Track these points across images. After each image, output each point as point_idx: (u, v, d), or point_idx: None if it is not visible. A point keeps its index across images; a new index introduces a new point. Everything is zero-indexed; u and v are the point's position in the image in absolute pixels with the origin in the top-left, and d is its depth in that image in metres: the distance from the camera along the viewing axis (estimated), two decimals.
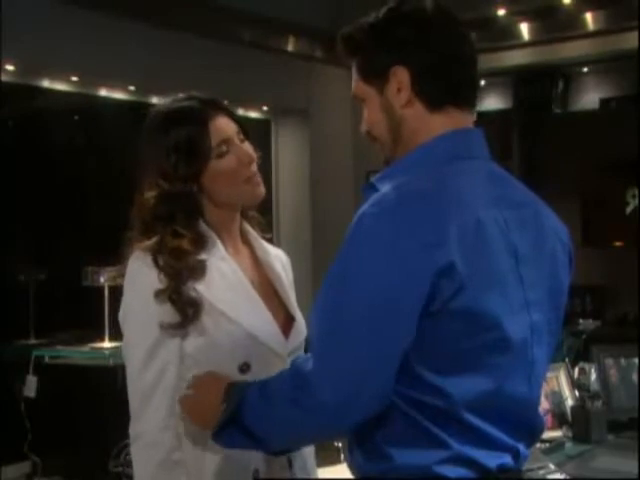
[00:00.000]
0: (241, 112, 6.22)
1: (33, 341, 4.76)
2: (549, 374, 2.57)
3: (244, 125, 1.65)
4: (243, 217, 1.68)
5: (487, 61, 5.38)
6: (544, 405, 2.54)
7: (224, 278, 1.55)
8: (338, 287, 1.17)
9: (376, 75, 1.29)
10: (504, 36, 5.66)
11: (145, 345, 1.50)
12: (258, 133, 6.34)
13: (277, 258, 1.72)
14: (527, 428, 1.27)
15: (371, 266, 1.14)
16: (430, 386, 1.16)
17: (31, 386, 4.20)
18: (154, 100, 5.43)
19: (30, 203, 5.09)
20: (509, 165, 6.23)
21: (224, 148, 1.55)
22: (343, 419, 1.16)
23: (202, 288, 1.52)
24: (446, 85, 1.28)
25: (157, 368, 1.49)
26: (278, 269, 1.68)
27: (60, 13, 4.52)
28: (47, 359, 4.39)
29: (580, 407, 2.58)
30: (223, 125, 1.57)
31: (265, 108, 6.37)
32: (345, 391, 1.14)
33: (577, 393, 2.67)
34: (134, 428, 1.51)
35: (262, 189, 1.60)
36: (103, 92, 5.39)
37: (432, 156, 1.26)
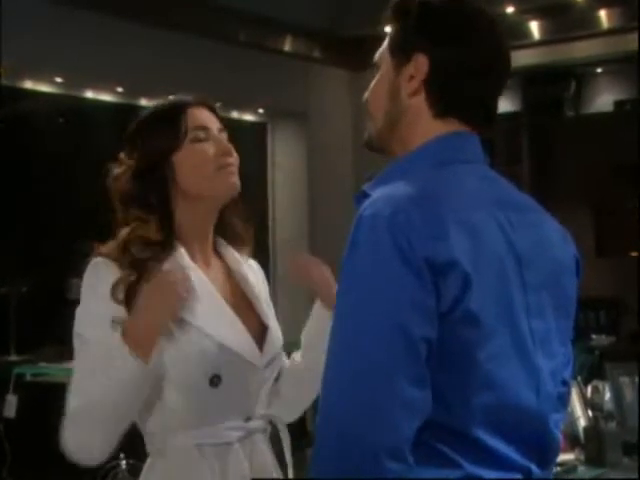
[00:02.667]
0: (236, 115, 6.24)
1: (14, 358, 4.75)
2: None
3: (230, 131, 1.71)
4: (220, 230, 1.71)
5: None
6: None
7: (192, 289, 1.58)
8: (347, 306, 1.16)
9: (401, 52, 1.30)
10: (513, 35, 5.68)
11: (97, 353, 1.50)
12: (254, 137, 6.35)
13: (250, 268, 1.76)
14: (539, 445, 1.27)
15: (374, 276, 1.14)
16: (436, 401, 1.16)
17: (11, 406, 4.18)
18: (143, 102, 5.45)
19: (12, 210, 5.09)
20: (518, 171, 6.24)
21: (201, 134, 1.62)
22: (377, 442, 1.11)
23: None
24: (460, 100, 1.29)
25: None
26: (252, 279, 1.72)
27: (46, 12, 4.53)
28: (28, 377, 4.38)
29: (593, 428, 2.58)
30: (202, 114, 1.66)
31: (261, 110, 6.38)
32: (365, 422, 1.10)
33: (590, 413, 2.67)
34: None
35: (235, 180, 1.63)
36: (89, 94, 5.41)
37: (426, 159, 1.27)
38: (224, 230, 1.72)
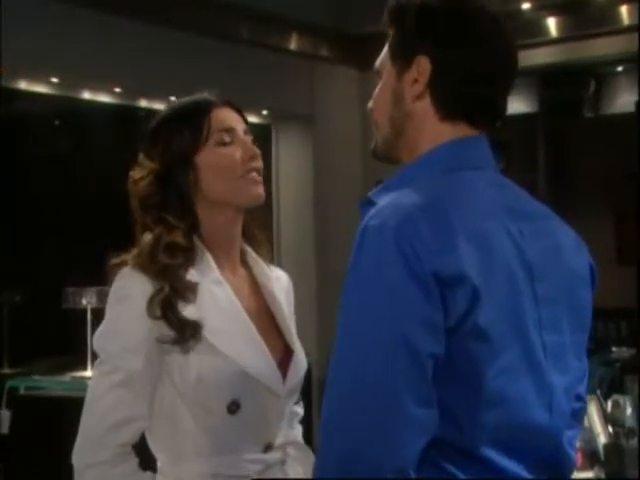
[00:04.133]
0: None
1: (7, 370, 4.76)
2: None
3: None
4: (244, 236, 1.70)
5: None
6: None
7: (217, 305, 1.56)
8: (351, 319, 1.17)
9: (402, 56, 1.31)
10: (529, 32, 5.68)
11: (118, 375, 1.52)
12: (257, 140, 6.36)
13: (278, 282, 1.73)
14: (552, 464, 1.27)
15: (379, 288, 1.15)
16: (443, 419, 1.16)
17: (4, 421, 4.20)
18: (142, 103, 5.46)
19: (6, 216, 5.11)
20: (534, 175, 6.24)
21: (227, 138, 1.62)
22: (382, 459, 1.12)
23: (192, 314, 1.53)
24: (466, 101, 1.29)
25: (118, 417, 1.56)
26: (279, 296, 1.69)
27: (43, 10, 4.55)
28: (22, 390, 4.38)
29: (614, 444, 2.57)
30: (228, 115, 1.65)
31: (265, 112, 6.39)
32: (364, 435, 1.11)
33: (610, 429, 2.66)
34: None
35: (261, 190, 1.63)
36: (87, 95, 5.43)
37: (434, 166, 1.28)
38: (247, 240, 1.71)
